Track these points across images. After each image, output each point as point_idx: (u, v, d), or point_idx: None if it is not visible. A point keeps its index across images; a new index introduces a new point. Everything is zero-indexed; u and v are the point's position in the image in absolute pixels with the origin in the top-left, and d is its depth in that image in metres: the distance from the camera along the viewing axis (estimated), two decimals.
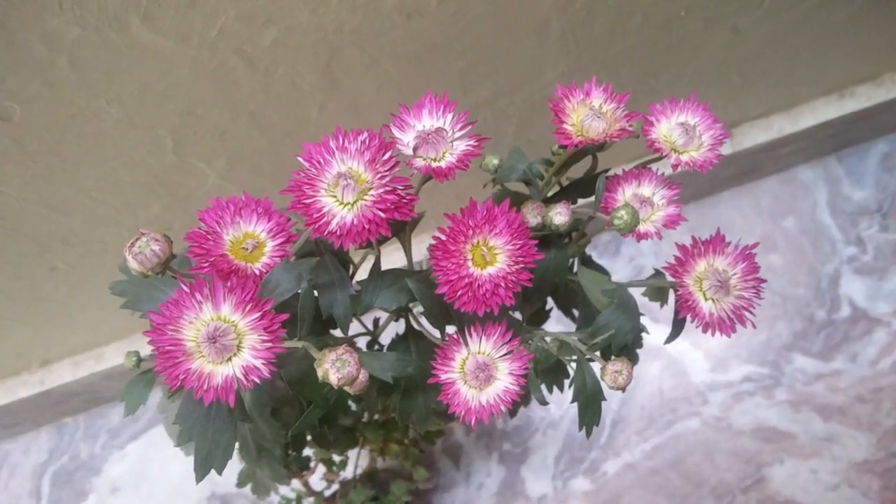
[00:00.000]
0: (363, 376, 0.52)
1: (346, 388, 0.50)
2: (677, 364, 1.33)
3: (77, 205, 0.84)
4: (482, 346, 0.54)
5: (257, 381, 0.42)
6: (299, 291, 0.50)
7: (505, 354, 0.54)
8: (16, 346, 1.14)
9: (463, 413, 0.52)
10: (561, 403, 1.31)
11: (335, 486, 1.08)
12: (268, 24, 0.68)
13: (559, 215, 0.59)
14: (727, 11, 0.93)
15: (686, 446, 1.28)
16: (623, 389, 0.56)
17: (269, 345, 0.43)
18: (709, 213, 1.41)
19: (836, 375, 1.29)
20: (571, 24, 0.84)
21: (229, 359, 0.43)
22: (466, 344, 0.53)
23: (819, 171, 1.41)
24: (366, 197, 0.49)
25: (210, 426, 0.50)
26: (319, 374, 0.45)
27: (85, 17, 0.60)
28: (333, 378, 0.45)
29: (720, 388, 1.31)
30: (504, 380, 0.53)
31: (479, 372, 0.52)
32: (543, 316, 0.82)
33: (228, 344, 0.42)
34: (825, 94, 1.25)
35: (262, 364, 0.43)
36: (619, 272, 1.39)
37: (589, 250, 1.38)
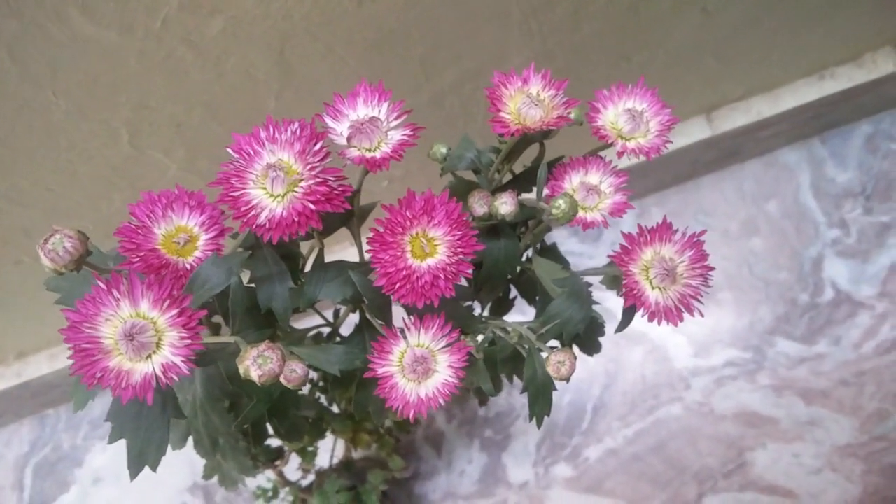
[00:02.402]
0: (301, 371, 0.51)
1: (284, 383, 0.50)
2: (660, 349, 1.33)
3: (36, 197, 0.83)
4: (421, 339, 0.53)
5: (176, 378, 0.42)
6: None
7: (444, 347, 0.53)
8: None
9: (401, 407, 0.52)
10: None
11: (311, 477, 1.08)
12: (213, 13, 0.67)
13: (504, 205, 0.58)
14: None
15: (668, 432, 1.28)
16: (567, 380, 0.56)
17: (189, 342, 0.42)
18: (691, 197, 1.40)
19: (819, 359, 1.28)
20: (532, 8, 0.82)
21: (149, 356, 0.42)
22: (405, 337, 0.53)
23: (802, 154, 1.40)
24: (296, 189, 0.48)
25: (142, 423, 0.50)
26: (241, 370, 0.44)
27: (22, 9, 0.59)
28: (254, 375, 0.44)
29: (703, 373, 1.30)
30: (443, 372, 0.53)
31: (417, 365, 0.52)
32: (507, 305, 0.81)
33: (146, 341, 0.42)
34: (805, 76, 1.23)
35: (182, 361, 0.42)
36: (601, 258, 1.38)
37: (569, 236, 1.39)
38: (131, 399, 0.41)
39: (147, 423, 0.49)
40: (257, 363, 0.44)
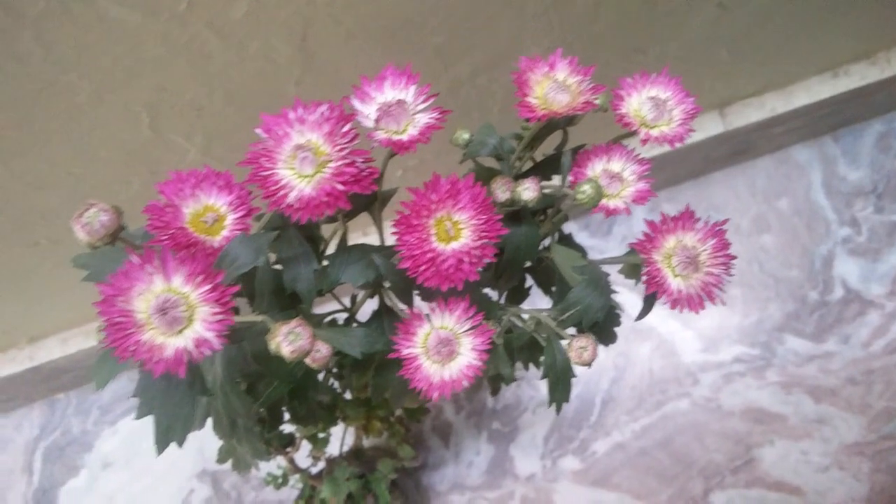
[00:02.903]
0: (325, 350, 0.52)
1: (309, 363, 0.50)
2: (668, 344, 1.33)
3: (55, 180, 0.84)
4: (445, 321, 0.53)
5: (208, 353, 0.42)
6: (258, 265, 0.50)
7: (468, 330, 0.53)
8: (3, 323, 1.15)
9: (425, 388, 0.52)
10: None
11: (321, 464, 1.08)
12: None
13: (527, 191, 0.58)
14: None
15: (676, 427, 1.28)
16: (588, 365, 0.56)
17: (221, 317, 0.43)
18: (702, 192, 1.40)
19: (828, 357, 1.28)
20: (551, 0, 0.82)
21: (181, 331, 0.43)
22: (429, 319, 0.53)
23: (814, 151, 1.40)
24: (324, 169, 0.48)
25: (169, 399, 0.50)
26: (272, 347, 0.45)
27: None
28: (285, 351, 0.44)
29: (711, 368, 1.30)
30: (467, 355, 0.53)
31: (442, 347, 0.52)
32: (524, 293, 0.81)
33: (179, 316, 0.42)
34: (819, 73, 1.23)
35: (214, 336, 0.42)
36: (612, 252, 1.39)
37: (581, 229, 1.39)
38: (163, 373, 0.42)
39: (175, 399, 0.50)
40: (288, 339, 0.44)
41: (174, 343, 0.42)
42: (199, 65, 0.74)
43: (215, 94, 0.79)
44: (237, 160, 0.87)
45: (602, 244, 1.39)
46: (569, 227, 1.39)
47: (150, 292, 0.42)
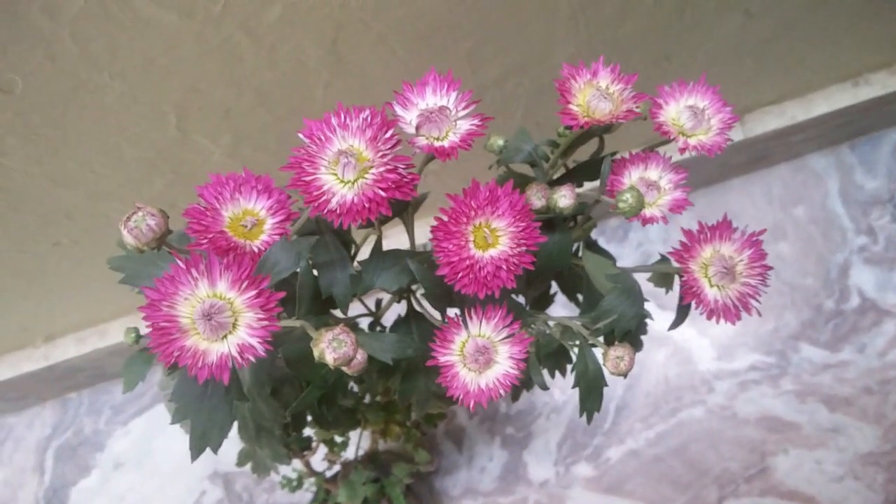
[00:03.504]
0: (361, 357, 0.52)
1: (344, 369, 0.50)
2: (683, 351, 1.33)
3: (80, 179, 0.83)
4: (482, 329, 0.53)
5: (252, 359, 0.42)
6: (298, 270, 0.50)
7: (505, 338, 0.53)
8: (20, 321, 1.14)
9: (461, 396, 0.52)
10: (564, 388, 1.31)
11: (337, 467, 1.08)
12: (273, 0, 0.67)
13: (564, 198, 0.58)
14: None
15: (690, 434, 1.28)
16: (625, 375, 0.56)
17: (266, 323, 0.42)
18: (719, 200, 1.40)
19: (843, 366, 1.28)
20: (581, 4, 0.82)
21: (224, 336, 0.42)
22: (466, 326, 0.53)
23: (831, 160, 1.40)
24: (366, 175, 0.48)
25: (206, 405, 0.50)
26: (316, 353, 0.44)
27: None
28: (330, 358, 0.44)
29: (726, 376, 1.30)
30: (504, 363, 0.53)
31: (479, 355, 0.52)
32: (548, 300, 0.81)
33: (224, 321, 0.42)
34: (839, 82, 1.23)
35: (258, 342, 0.42)
36: (627, 258, 1.38)
37: (596, 235, 1.38)
38: (207, 378, 0.41)
39: (211, 405, 0.50)
40: (332, 346, 0.44)
41: (218, 349, 0.42)
42: (231, 66, 0.74)
43: (244, 95, 0.79)
44: (263, 162, 0.87)
45: (618, 250, 1.38)
46: None
47: (194, 297, 0.42)
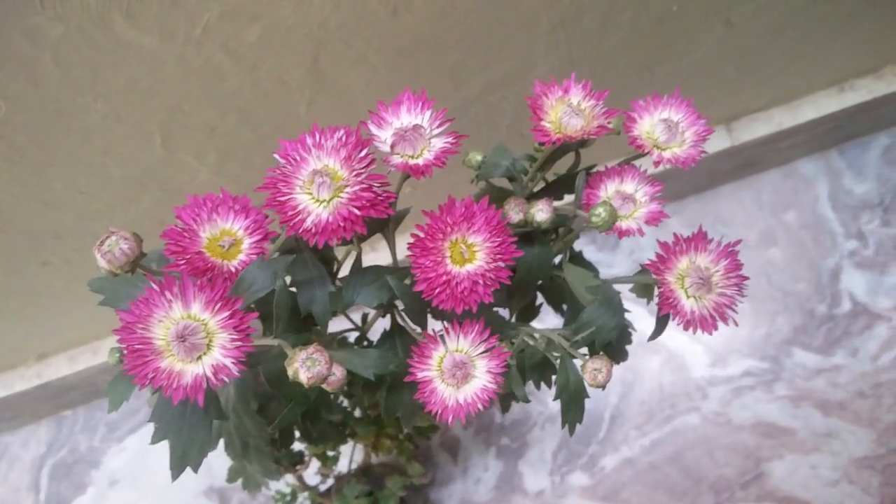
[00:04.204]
0: (340, 374, 0.52)
1: (324, 386, 0.50)
2: (677, 359, 1.33)
3: (68, 199, 0.84)
4: (460, 344, 0.53)
5: (227, 379, 0.42)
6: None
7: (483, 352, 0.53)
8: (12, 340, 1.15)
9: (440, 411, 0.52)
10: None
11: (330, 481, 1.08)
12: (253, 20, 0.68)
13: (541, 212, 0.58)
14: (721, 5, 0.92)
15: (685, 441, 1.28)
16: (603, 387, 0.56)
17: (239, 343, 0.43)
18: (709, 206, 1.40)
19: (836, 370, 1.28)
20: (560, 19, 0.83)
21: (199, 357, 0.43)
22: (444, 342, 0.53)
23: (820, 165, 1.40)
24: (341, 194, 0.49)
25: (185, 424, 0.50)
26: (290, 373, 0.45)
27: (67, 14, 0.60)
28: (303, 377, 0.44)
29: (720, 382, 1.30)
30: (482, 378, 0.53)
31: (457, 370, 0.52)
32: (534, 311, 0.81)
33: (198, 343, 0.42)
34: (825, 88, 1.24)
35: (232, 363, 0.43)
36: (619, 266, 1.39)
37: (588, 243, 1.39)
38: (182, 400, 0.42)
39: (190, 425, 0.50)
40: (306, 365, 0.45)
41: (193, 370, 0.43)
42: (213, 86, 0.75)
43: (228, 114, 0.79)
44: (249, 180, 0.88)
45: (609, 258, 1.39)
46: (577, 242, 1.39)
47: (169, 319, 0.43)
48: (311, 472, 1.04)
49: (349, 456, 1.06)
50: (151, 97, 0.73)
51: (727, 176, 1.38)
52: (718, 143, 1.24)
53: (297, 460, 0.99)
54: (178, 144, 0.82)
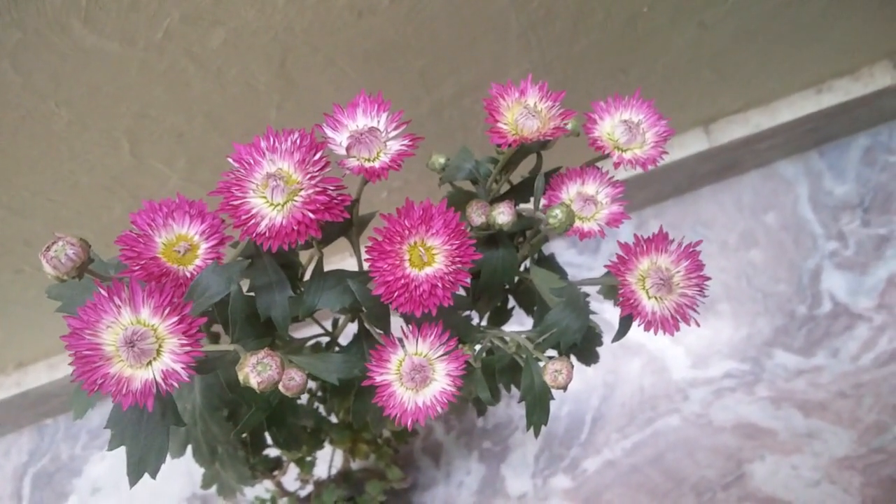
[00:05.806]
0: (300, 378, 0.52)
1: (283, 391, 0.50)
2: (658, 361, 1.33)
3: (36, 207, 0.84)
4: (419, 348, 0.53)
5: (176, 385, 0.42)
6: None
7: (442, 355, 0.53)
8: None
9: (399, 415, 0.52)
10: None
11: (310, 487, 1.08)
12: (215, 25, 0.68)
13: (502, 215, 0.58)
14: (693, 7, 0.92)
15: (666, 443, 1.28)
16: (564, 389, 0.56)
17: (189, 349, 0.43)
18: (689, 208, 1.41)
19: (817, 371, 1.28)
20: (531, 22, 0.83)
21: (149, 363, 0.43)
22: (403, 345, 0.53)
23: (800, 166, 1.40)
24: (296, 198, 0.48)
25: (142, 430, 0.50)
26: (241, 377, 0.45)
27: (24, 20, 0.60)
28: (254, 382, 0.44)
29: (701, 384, 1.30)
30: (441, 381, 0.53)
31: (415, 373, 0.52)
32: (506, 314, 0.81)
33: (147, 348, 0.42)
34: (802, 89, 1.24)
35: (182, 368, 0.42)
36: (600, 269, 1.39)
37: (568, 247, 1.39)
38: (131, 405, 0.42)
39: (147, 430, 0.50)
40: (256, 370, 0.44)
41: (142, 375, 0.42)
42: (179, 91, 0.74)
43: (195, 120, 0.79)
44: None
45: (590, 261, 1.39)
46: (557, 245, 1.40)
47: (118, 325, 0.42)
48: (291, 478, 1.03)
49: (329, 461, 1.06)
50: (116, 103, 0.73)
51: (707, 178, 1.38)
52: (696, 145, 1.24)
53: (275, 466, 0.98)
54: (146, 150, 0.81)
